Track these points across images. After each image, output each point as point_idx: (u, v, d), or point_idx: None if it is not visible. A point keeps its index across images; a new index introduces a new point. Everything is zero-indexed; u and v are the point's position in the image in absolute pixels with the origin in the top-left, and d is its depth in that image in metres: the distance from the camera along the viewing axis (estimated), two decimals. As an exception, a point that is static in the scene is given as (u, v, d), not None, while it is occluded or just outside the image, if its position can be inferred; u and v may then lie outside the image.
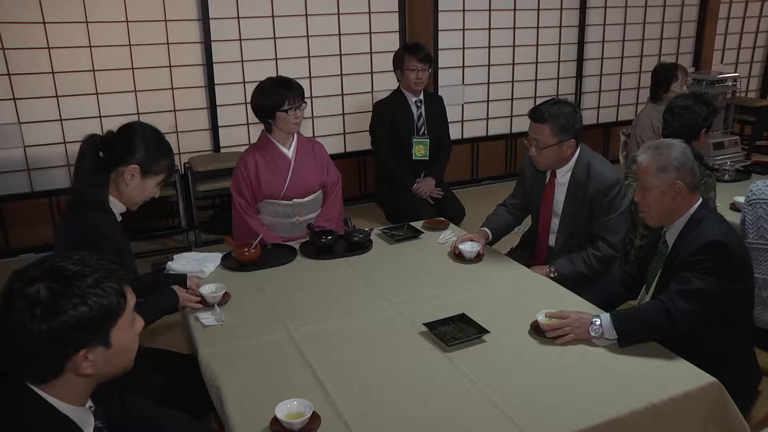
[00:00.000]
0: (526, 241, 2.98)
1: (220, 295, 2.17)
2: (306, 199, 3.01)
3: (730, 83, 4.56)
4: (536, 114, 2.54)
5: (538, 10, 5.51)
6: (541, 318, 1.94)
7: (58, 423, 1.21)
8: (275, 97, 2.81)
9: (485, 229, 2.81)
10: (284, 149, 2.94)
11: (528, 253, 2.90)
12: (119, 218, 2.09)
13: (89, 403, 1.30)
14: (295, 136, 2.97)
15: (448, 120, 4.56)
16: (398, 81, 4.25)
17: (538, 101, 5.65)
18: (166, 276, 2.40)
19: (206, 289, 2.19)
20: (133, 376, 1.60)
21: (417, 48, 4.14)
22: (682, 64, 4.27)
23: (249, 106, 4.57)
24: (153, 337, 2.89)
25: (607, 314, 1.91)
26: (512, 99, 5.64)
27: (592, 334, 1.88)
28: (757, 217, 2.39)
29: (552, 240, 2.78)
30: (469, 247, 2.51)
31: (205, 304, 2.15)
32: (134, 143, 2.02)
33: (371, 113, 4.42)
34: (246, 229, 2.87)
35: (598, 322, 1.88)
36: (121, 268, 1.26)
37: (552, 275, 2.62)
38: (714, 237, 1.89)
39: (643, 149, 2.08)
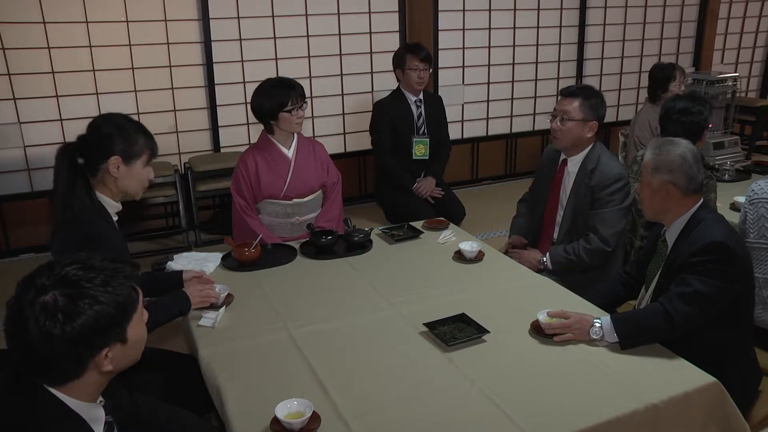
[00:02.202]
0: (530, 237, 3.00)
1: (223, 296, 2.17)
2: (306, 199, 3.01)
3: (730, 83, 4.56)
4: (569, 89, 2.71)
5: (538, 9, 5.51)
6: (542, 317, 1.94)
7: (69, 421, 1.23)
8: (278, 98, 2.81)
9: (517, 236, 2.94)
10: (284, 149, 2.94)
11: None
12: (115, 218, 2.08)
13: (99, 398, 1.32)
14: (296, 136, 2.97)
15: (448, 120, 4.56)
16: (398, 81, 4.25)
17: (539, 101, 5.72)
18: (163, 274, 2.39)
19: None
20: (133, 376, 1.61)
21: (418, 48, 4.15)
22: (679, 64, 4.27)
23: (249, 106, 4.59)
24: (153, 337, 2.88)
25: (608, 317, 1.90)
26: (512, 99, 5.65)
27: (593, 336, 1.88)
28: (759, 216, 2.39)
29: (556, 233, 2.80)
30: (469, 247, 2.51)
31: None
32: (107, 135, 1.99)
33: (371, 113, 4.42)
34: (246, 230, 2.87)
35: (598, 324, 1.88)
36: (125, 265, 1.29)
37: (543, 265, 2.69)
38: (714, 238, 1.89)
39: (650, 145, 2.07)
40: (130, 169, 2.03)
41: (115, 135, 1.99)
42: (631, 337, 1.86)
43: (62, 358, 1.18)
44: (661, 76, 4.07)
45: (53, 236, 2.00)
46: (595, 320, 1.89)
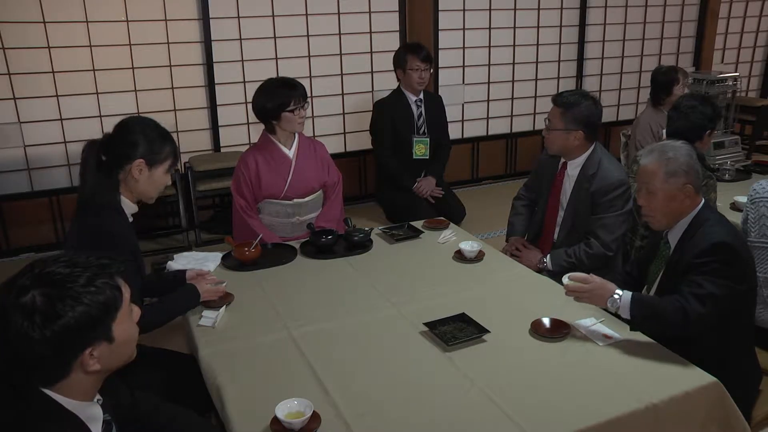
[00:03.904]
0: (529, 237, 3.00)
1: (222, 286, 2.20)
2: (306, 199, 3.00)
3: (731, 83, 4.55)
4: (555, 97, 2.71)
5: (539, 9, 5.51)
6: (565, 280, 1.96)
7: (64, 421, 1.22)
8: (280, 98, 2.81)
9: (516, 238, 2.95)
10: (285, 149, 2.94)
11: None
12: (130, 219, 2.10)
13: (97, 396, 1.31)
14: (296, 135, 2.97)
15: (449, 119, 4.56)
16: (398, 80, 4.25)
17: (539, 101, 5.72)
18: (167, 274, 2.40)
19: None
20: (133, 376, 1.61)
21: (419, 48, 4.14)
22: (681, 67, 4.25)
23: (249, 106, 4.58)
24: (153, 337, 2.88)
25: (630, 293, 1.89)
26: (512, 98, 5.64)
27: (609, 305, 1.89)
28: (760, 215, 2.39)
29: (556, 234, 2.81)
30: (469, 247, 2.51)
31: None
32: (133, 138, 2.02)
33: (371, 113, 4.41)
34: (246, 230, 2.87)
35: (617, 296, 1.88)
36: (112, 262, 1.26)
37: (542, 265, 2.67)
38: (719, 239, 1.88)
39: (648, 152, 2.05)
40: (152, 173, 2.06)
41: (143, 139, 2.02)
42: (643, 321, 1.87)
43: (43, 359, 1.17)
44: (663, 79, 3.99)
45: (72, 222, 2.04)
46: (617, 291, 1.89)
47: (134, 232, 2.11)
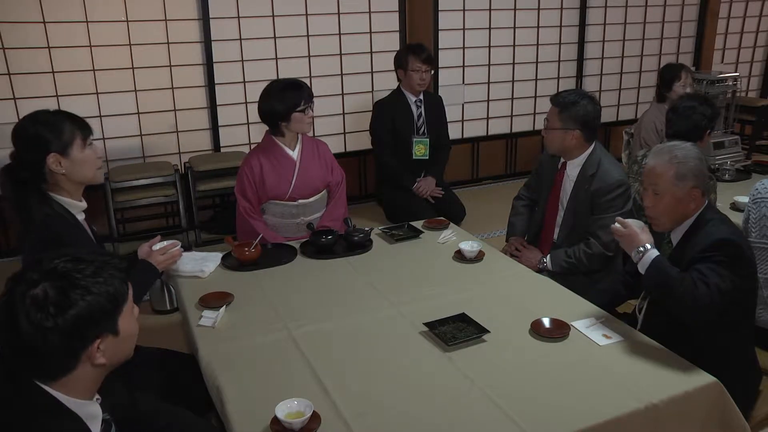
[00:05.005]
0: (529, 237, 3.00)
1: (176, 249, 2.24)
2: (311, 199, 3.00)
3: (731, 83, 4.56)
4: (553, 97, 2.73)
5: (539, 9, 5.51)
6: (615, 224, 2.03)
7: (64, 418, 1.23)
8: (290, 100, 2.81)
9: (516, 238, 2.96)
10: (289, 151, 2.94)
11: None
12: (82, 216, 2.05)
13: (96, 395, 1.33)
14: (300, 136, 2.97)
15: (449, 120, 4.56)
16: (399, 81, 4.25)
17: (539, 101, 5.72)
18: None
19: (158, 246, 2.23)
20: (133, 376, 1.62)
21: (420, 49, 4.14)
22: (686, 65, 4.24)
23: (249, 106, 4.60)
24: (153, 337, 2.88)
25: (654, 255, 1.90)
26: (512, 99, 5.64)
27: (632, 255, 1.94)
28: (761, 215, 2.39)
29: (556, 234, 2.81)
30: (469, 247, 2.51)
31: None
32: (31, 140, 1.93)
33: (371, 113, 4.42)
34: (250, 232, 2.86)
35: (642, 250, 1.91)
36: (113, 257, 1.30)
37: (542, 265, 2.67)
38: (724, 236, 1.89)
39: (657, 152, 2.03)
40: (71, 158, 1.96)
41: (39, 134, 1.92)
42: (653, 286, 1.91)
43: (55, 351, 1.18)
44: (667, 76, 4.03)
45: (24, 244, 1.99)
46: (645, 245, 1.91)
47: (86, 232, 2.06)
